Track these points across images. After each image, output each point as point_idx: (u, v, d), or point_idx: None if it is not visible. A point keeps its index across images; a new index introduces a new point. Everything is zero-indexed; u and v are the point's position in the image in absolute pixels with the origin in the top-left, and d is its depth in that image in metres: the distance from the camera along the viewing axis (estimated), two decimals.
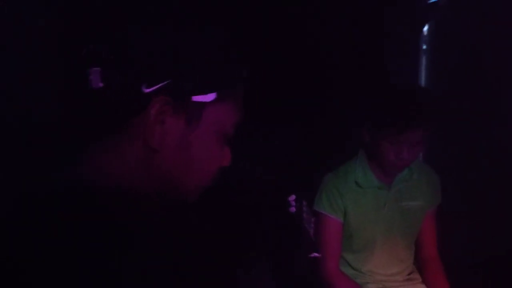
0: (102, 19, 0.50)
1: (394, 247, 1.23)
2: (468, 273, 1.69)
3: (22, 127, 0.97)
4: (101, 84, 0.46)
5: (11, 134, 0.97)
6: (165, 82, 0.46)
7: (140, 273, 0.44)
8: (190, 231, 0.62)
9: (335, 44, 1.75)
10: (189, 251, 0.59)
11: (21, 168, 0.89)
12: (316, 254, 0.96)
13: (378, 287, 1.22)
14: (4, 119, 0.98)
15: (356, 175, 1.20)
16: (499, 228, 1.78)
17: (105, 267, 0.42)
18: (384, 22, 1.98)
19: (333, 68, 1.71)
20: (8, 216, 0.45)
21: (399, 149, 1.08)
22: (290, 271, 0.85)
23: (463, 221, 1.85)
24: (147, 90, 0.46)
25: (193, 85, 0.48)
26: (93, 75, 0.46)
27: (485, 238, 1.77)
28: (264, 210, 1.04)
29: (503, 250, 1.75)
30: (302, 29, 1.68)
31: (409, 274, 1.25)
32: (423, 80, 2.26)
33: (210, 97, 0.49)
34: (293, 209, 0.94)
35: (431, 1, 2.10)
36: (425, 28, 2.24)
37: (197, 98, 0.48)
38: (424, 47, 2.28)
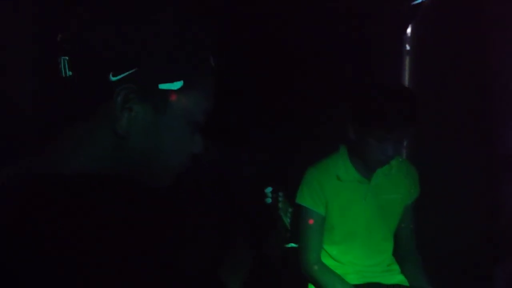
0: (73, 9, 0.50)
1: (373, 239, 1.26)
2: (445, 264, 1.75)
3: None
4: (70, 73, 0.47)
5: None
6: (132, 71, 0.47)
7: (110, 258, 0.45)
8: (164, 217, 0.63)
9: (320, 44, 1.79)
10: (163, 236, 0.60)
11: None
12: (293, 244, 1.00)
13: (358, 277, 1.25)
14: None
15: (337, 169, 1.24)
16: (472, 221, 1.84)
17: (74, 253, 0.42)
18: (369, 23, 2.03)
19: (316, 67, 1.75)
20: None
21: (385, 147, 1.10)
22: (265, 261, 0.88)
23: (439, 214, 1.90)
24: (114, 78, 0.47)
25: (159, 74, 0.49)
26: (62, 64, 0.47)
27: (459, 230, 1.83)
28: (241, 201, 1.07)
29: (477, 242, 1.80)
30: (288, 28, 1.71)
31: (388, 265, 1.29)
32: (406, 80, 2.32)
33: (176, 85, 0.49)
34: (269, 200, 0.97)
35: (415, 2, 2.16)
36: (409, 29, 2.30)
37: (163, 86, 0.49)
38: (408, 48, 2.34)
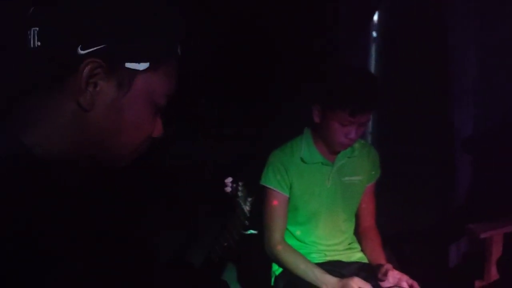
0: None
1: (336, 219, 1.30)
2: (405, 242, 1.84)
3: None
4: (38, 43, 0.48)
5: None
6: (100, 46, 0.48)
7: (68, 241, 0.46)
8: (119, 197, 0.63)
9: (288, 31, 1.80)
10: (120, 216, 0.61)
11: None
12: (252, 231, 1.02)
13: (320, 256, 1.30)
14: None
15: (301, 152, 1.26)
16: (429, 201, 1.94)
17: (31, 234, 0.42)
18: (336, 11, 2.05)
19: (284, 55, 1.76)
20: None
21: (348, 130, 1.13)
22: (226, 247, 0.89)
23: (399, 195, 1.99)
24: (82, 52, 0.48)
25: (127, 52, 0.50)
26: (32, 35, 0.48)
27: (415, 210, 1.92)
28: (201, 190, 1.08)
29: (431, 222, 1.91)
30: (256, 18, 1.70)
31: (349, 244, 1.34)
32: (373, 66, 2.38)
33: (142, 66, 0.51)
34: (228, 189, 0.99)
35: None
36: (375, 17, 2.35)
37: (130, 65, 0.51)
38: (374, 34, 2.39)
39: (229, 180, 1.05)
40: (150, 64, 0.52)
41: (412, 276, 1.15)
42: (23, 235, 0.42)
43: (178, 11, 0.55)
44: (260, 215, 1.24)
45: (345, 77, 1.15)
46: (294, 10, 1.77)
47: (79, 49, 0.48)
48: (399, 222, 1.96)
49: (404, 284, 1.13)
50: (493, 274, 1.41)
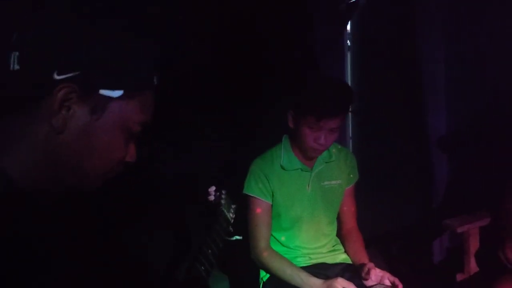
0: (30, 9, 0.52)
1: (318, 223, 1.34)
2: (388, 241, 1.89)
3: None
4: (17, 67, 0.50)
5: None
6: (75, 73, 0.51)
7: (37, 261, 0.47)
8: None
9: (265, 41, 1.86)
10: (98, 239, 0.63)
11: None
12: (237, 237, 1.06)
13: (305, 259, 1.33)
14: None
15: (281, 159, 1.30)
16: (410, 201, 2.00)
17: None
18: (310, 21, 2.13)
19: (261, 65, 1.82)
20: None
21: (318, 135, 1.18)
22: (210, 255, 0.92)
23: (381, 196, 2.05)
24: (58, 77, 0.50)
25: (101, 80, 0.52)
26: (12, 59, 0.50)
27: (398, 210, 1.98)
28: (185, 199, 1.11)
29: (414, 220, 1.97)
30: (233, 25, 1.76)
31: (333, 246, 1.38)
32: (349, 74, 2.46)
33: (117, 93, 0.53)
34: (211, 198, 1.02)
35: (351, 1, 2.30)
36: (349, 26, 2.44)
37: (104, 92, 0.53)
38: (349, 43, 2.48)
39: (212, 189, 1.08)
40: (124, 92, 0.54)
41: (397, 273, 1.19)
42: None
43: (156, 43, 0.58)
44: (244, 221, 1.27)
45: (314, 84, 1.21)
46: (270, 19, 1.83)
47: (55, 74, 0.50)
48: (384, 222, 2.02)
49: (387, 281, 1.17)
50: (473, 266, 1.46)
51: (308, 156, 1.28)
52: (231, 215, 1.09)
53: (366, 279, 1.19)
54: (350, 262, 1.35)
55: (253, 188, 1.28)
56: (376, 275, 1.18)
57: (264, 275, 1.34)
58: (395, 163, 2.10)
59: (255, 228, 1.28)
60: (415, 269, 1.72)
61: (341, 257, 1.36)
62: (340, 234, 1.41)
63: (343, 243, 1.39)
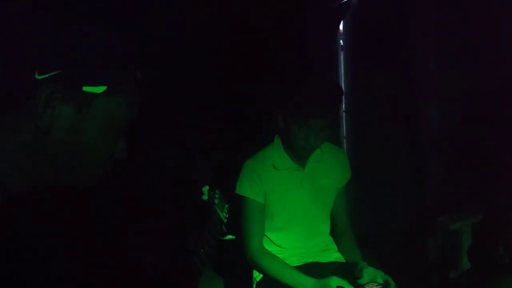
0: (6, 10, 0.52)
1: (311, 222, 1.34)
2: (386, 241, 1.90)
3: None
4: None
5: None
6: (57, 72, 0.50)
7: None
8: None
9: (257, 41, 1.86)
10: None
11: None
12: (231, 237, 1.05)
13: (298, 259, 1.33)
14: None
15: (273, 159, 1.30)
16: (404, 201, 2.01)
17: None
18: (303, 20, 2.13)
19: (252, 64, 1.82)
20: None
21: (307, 134, 1.18)
22: (203, 255, 0.92)
23: (376, 195, 2.06)
24: (39, 77, 0.50)
25: (83, 77, 0.52)
26: None
27: (391, 209, 1.99)
28: (179, 199, 1.10)
29: (409, 219, 1.97)
30: (225, 25, 1.76)
31: (326, 245, 1.38)
32: (342, 73, 2.46)
33: (100, 89, 0.53)
34: (205, 197, 1.02)
35: (344, 1, 2.30)
36: (341, 26, 2.45)
37: (87, 89, 0.53)
38: (342, 43, 2.49)
39: (205, 188, 1.08)
40: (108, 88, 0.54)
41: (390, 271, 1.20)
42: None
43: (138, 37, 0.59)
44: (238, 221, 1.27)
45: (303, 83, 1.21)
46: (262, 24, 1.83)
47: (36, 74, 0.50)
48: (377, 220, 2.02)
49: (379, 280, 1.18)
50: (465, 263, 1.47)
51: (299, 155, 1.28)
52: (224, 214, 1.09)
53: (360, 278, 1.19)
54: (343, 260, 1.35)
55: (246, 188, 1.28)
56: (369, 273, 1.19)
57: (257, 275, 1.33)
58: (388, 161, 2.11)
59: (248, 228, 1.28)
60: (408, 267, 1.73)
61: (335, 255, 1.36)
62: (333, 233, 1.41)
63: (336, 242, 1.40)
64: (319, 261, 1.34)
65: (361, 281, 1.19)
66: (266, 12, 1.86)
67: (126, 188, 1.05)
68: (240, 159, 1.34)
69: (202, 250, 0.92)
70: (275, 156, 1.30)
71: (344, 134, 2.42)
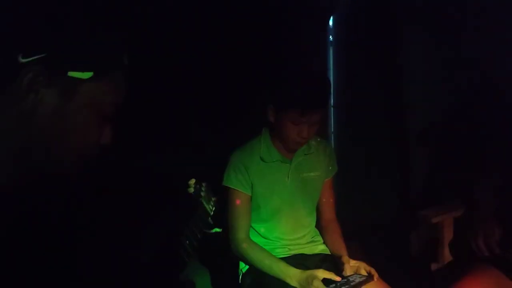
0: None
1: (297, 214, 1.36)
2: (368, 234, 1.93)
3: None
4: None
5: None
6: (41, 55, 0.49)
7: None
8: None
9: (247, 35, 1.85)
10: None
11: None
12: (217, 229, 1.06)
13: (284, 251, 1.34)
14: None
15: (260, 151, 1.31)
16: (389, 195, 2.05)
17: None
18: (293, 16, 2.13)
19: (242, 60, 1.81)
20: None
21: (300, 128, 1.19)
22: (188, 247, 0.92)
23: (360, 189, 2.09)
24: (23, 60, 0.49)
25: (69, 62, 0.51)
26: None
27: (376, 203, 2.02)
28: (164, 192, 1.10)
29: (394, 213, 2.01)
30: (212, 20, 1.74)
31: (312, 237, 1.39)
32: (331, 69, 2.48)
33: (86, 75, 0.52)
34: (191, 190, 1.02)
35: None
36: (331, 21, 2.45)
37: (73, 74, 0.52)
38: (331, 38, 2.50)
39: (192, 181, 1.08)
40: (94, 74, 0.53)
41: (374, 264, 1.22)
42: None
43: (122, 23, 0.59)
44: (224, 214, 1.27)
45: (295, 78, 1.21)
46: (252, 18, 1.83)
47: (20, 57, 0.49)
48: (363, 214, 2.05)
49: (363, 271, 1.20)
50: (446, 256, 1.51)
51: (289, 148, 1.29)
52: (210, 207, 1.09)
53: (343, 270, 1.21)
54: (328, 252, 1.37)
55: (233, 179, 1.29)
56: (353, 265, 1.21)
57: (243, 267, 1.34)
58: (374, 156, 2.14)
59: (235, 220, 1.29)
60: (392, 260, 1.76)
61: (320, 248, 1.38)
62: (319, 226, 1.43)
63: (321, 234, 1.41)
64: (305, 253, 1.35)
65: (346, 273, 1.21)
66: (254, 7, 1.85)
67: (111, 181, 1.04)
68: (227, 151, 1.34)
69: (187, 242, 0.92)
70: (263, 148, 1.31)
71: (332, 130, 2.44)
